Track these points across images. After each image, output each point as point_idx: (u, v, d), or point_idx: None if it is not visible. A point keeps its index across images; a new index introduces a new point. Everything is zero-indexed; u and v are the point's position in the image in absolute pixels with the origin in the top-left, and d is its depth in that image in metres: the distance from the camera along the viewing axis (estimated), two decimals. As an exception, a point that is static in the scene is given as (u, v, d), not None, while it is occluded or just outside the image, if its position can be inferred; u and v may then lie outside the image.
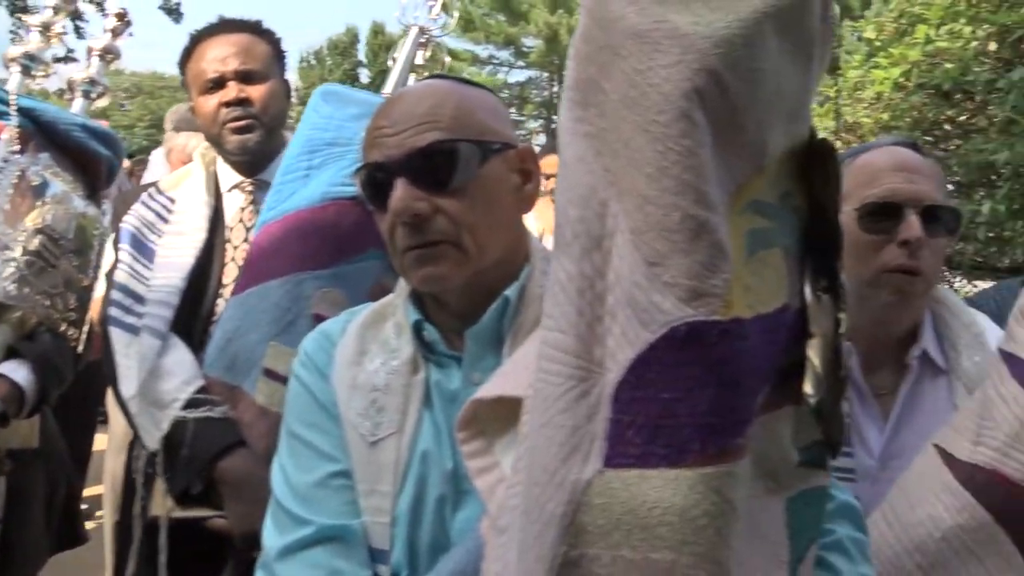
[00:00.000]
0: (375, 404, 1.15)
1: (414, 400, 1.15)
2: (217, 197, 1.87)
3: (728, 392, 0.70)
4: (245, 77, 1.81)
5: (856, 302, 1.46)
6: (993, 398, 1.14)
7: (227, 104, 1.80)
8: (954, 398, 1.42)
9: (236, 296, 1.66)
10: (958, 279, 4.85)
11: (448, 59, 2.31)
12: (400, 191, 1.08)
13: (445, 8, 2.18)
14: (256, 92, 1.82)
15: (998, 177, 3.31)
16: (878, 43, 4.33)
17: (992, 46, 3.54)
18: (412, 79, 2.12)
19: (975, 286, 4.34)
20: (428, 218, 1.09)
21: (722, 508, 0.69)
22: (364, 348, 1.20)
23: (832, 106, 4.45)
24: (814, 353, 0.88)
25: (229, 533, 1.57)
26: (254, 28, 1.91)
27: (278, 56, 1.92)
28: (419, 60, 2.17)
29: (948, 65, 3.51)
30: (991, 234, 3.42)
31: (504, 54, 23.47)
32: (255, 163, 1.85)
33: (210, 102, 1.82)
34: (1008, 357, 1.17)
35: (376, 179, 1.12)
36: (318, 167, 1.67)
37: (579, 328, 0.74)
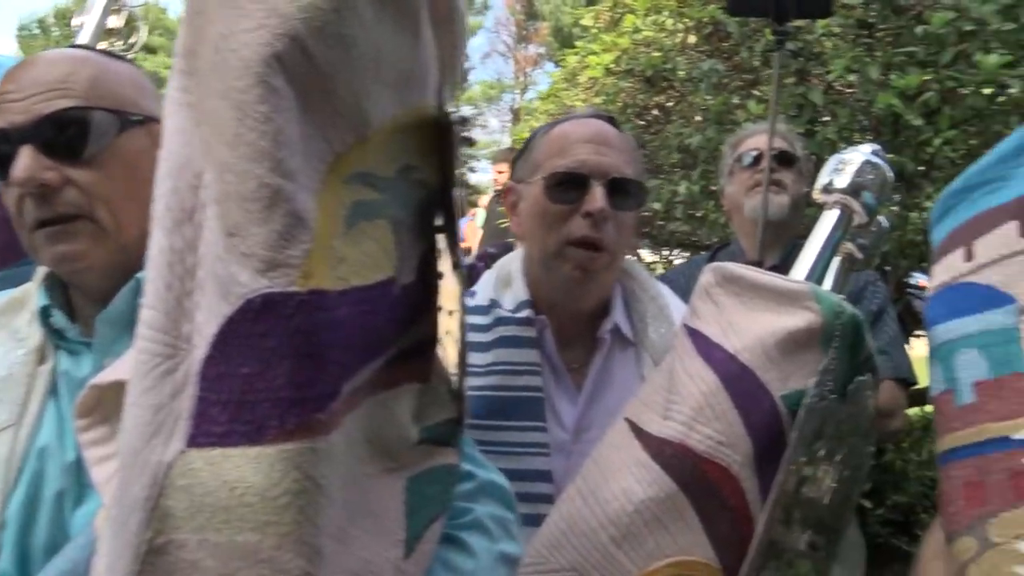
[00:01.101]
0: None
1: (37, 391, 1.06)
2: None
3: (307, 365, 0.69)
4: None
5: (545, 273, 1.50)
6: (679, 373, 1.19)
7: None
8: (642, 369, 1.49)
9: None
10: (675, 255, 5.24)
11: (144, 30, 2.13)
12: (25, 159, 1.01)
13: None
14: None
15: (695, 160, 3.57)
16: (595, 30, 4.56)
17: (692, 39, 3.81)
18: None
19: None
20: (57, 189, 1.02)
21: (304, 486, 0.68)
22: None
23: (552, 90, 4.65)
24: (455, 330, 0.89)
25: None
26: None
27: None
28: (111, 24, 1.98)
29: (654, 54, 3.74)
30: (694, 213, 3.69)
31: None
32: None
33: None
34: (692, 332, 1.22)
35: (0, 149, 1.03)
36: None
37: (168, 303, 0.71)
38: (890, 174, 1.33)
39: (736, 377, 1.14)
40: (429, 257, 0.87)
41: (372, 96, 0.76)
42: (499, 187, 5.94)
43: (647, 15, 3.87)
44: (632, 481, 1.16)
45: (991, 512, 0.95)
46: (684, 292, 1.72)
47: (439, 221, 0.88)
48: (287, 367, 0.67)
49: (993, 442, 0.97)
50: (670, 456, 1.14)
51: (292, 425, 0.67)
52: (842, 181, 1.30)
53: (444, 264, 0.89)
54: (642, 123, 4.00)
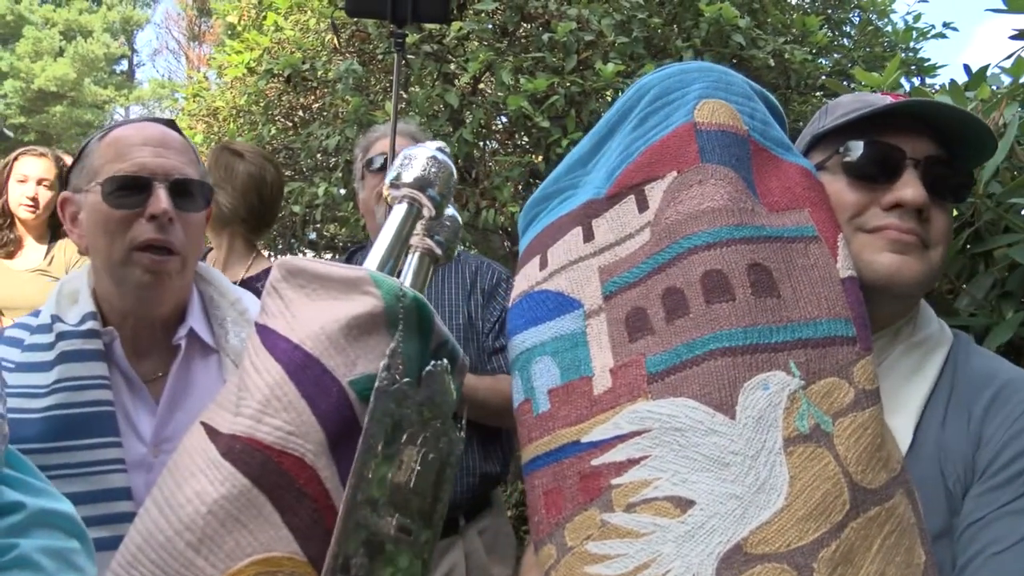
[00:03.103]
0: None
1: None
2: None
3: None
4: None
5: (113, 283, 1.41)
6: (248, 369, 1.15)
7: None
8: (224, 375, 1.44)
9: None
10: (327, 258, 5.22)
11: None
12: None
13: None
14: None
15: (334, 161, 3.58)
16: (239, 28, 4.43)
17: (335, 39, 3.81)
18: None
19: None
20: None
21: None
22: None
23: (194, 89, 4.46)
24: None
25: None
26: None
27: None
28: None
29: (296, 54, 3.69)
30: (334, 214, 3.69)
31: None
32: None
33: None
34: (261, 329, 1.20)
35: None
36: None
37: None
38: (454, 170, 1.38)
39: (301, 366, 1.12)
40: None
41: None
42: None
43: (289, 14, 3.82)
44: (205, 482, 1.10)
45: (566, 518, 0.97)
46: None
47: None
48: None
49: (565, 448, 1.00)
50: (240, 451, 1.10)
51: None
52: (409, 176, 1.33)
53: None
54: (290, 124, 3.94)
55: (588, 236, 1.13)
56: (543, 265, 1.16)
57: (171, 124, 1.49)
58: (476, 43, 3.85)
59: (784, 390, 0.93)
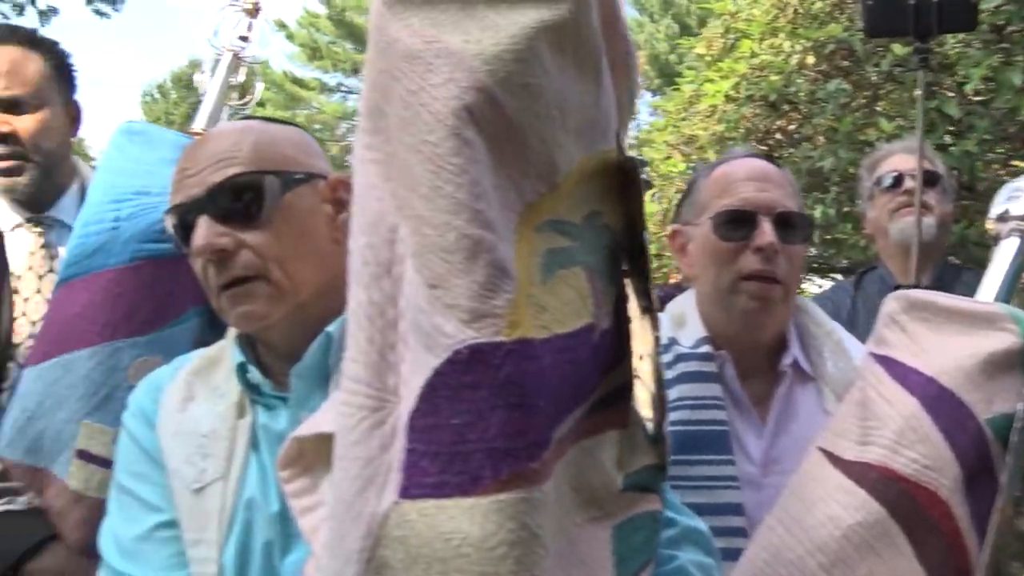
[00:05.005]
0: (201, 450, 1.10)
1: (240, 444, 1.11)
2: None
3: (517, 415, 0.68)
4: (11, 105, 1.56)
5: (720, 310, 1.51)
6: (874, 399, 1.17)
7: None
8: (823, 403, 1.49)
9: (35, 367, 1.43)
10: (815, 280, 5.15)
11: (260, 85, 2.20)
12: (202, 228, 1.07)
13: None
14: (25, 124, 1.57)
15: (827, 182, 3.51)
16: (708, 58, 4.55)
17: (810, 59, 3.77)
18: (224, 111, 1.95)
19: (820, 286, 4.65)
20: (233, 253, 1.07)
21: (520, 536, 0.66)
22: (191, 394, 1.15)
23: (670, 120, 4.65)
24: (646, 375, 0.89)
25: None
26: (27, 39, 1.64)
27: (60, 75, 1.67)
28: (232, 81, 2.03)
29: (773, 77, 3.71)
30: (826, 236, 3.62)
31: (352, 81, 23.12)
32: (36, 201, 1.62)
33: None
34: (883, 360, 1.20)
35: (183, 221, 1.10)
36: (127, 219, 1.47)
37: (370, 356, 0.72)
38: None
39: (936, 399, 1.11)
40: (620, 302, 0.87)
41: (560, 144, 0.76)
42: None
43: (763, 39, 3.85)
44: (837, 507, 1.13)
45: None
46: (832, 318, 1.70)
47: (624, 265, 0.88)
48: (499, 417, 0.66)
49: None
50: (875, 480, 1.11)
51: (506, 475, 0.66)
52: (1018, 209, 1.26)
53: (632, 308, 0.88)
54: (764, 148, 3.96)
55: None
56: None
57: (769, 158, 1.57)
58: (963, 47, 3.57)
59: None
